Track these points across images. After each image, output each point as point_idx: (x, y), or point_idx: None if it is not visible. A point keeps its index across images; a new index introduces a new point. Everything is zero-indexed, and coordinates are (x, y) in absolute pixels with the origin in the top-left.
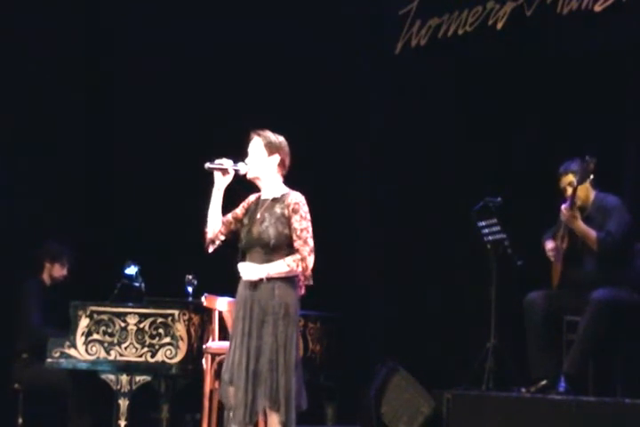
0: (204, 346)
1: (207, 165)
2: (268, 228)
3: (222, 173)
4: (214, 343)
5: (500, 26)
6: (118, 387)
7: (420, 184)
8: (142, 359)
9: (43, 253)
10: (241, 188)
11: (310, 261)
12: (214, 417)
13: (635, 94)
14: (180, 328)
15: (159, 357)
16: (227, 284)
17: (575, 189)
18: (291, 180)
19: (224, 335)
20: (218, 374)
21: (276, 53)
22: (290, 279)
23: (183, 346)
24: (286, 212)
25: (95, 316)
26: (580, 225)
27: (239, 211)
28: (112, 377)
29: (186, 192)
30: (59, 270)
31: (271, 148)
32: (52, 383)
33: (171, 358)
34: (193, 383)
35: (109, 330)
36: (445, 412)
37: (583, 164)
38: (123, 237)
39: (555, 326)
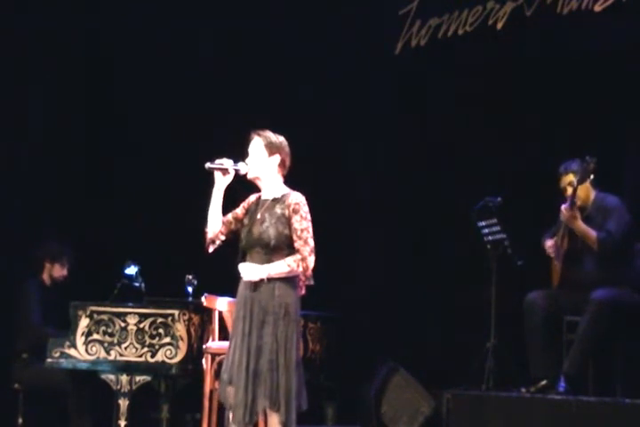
0: (204, 346)
1: (207, 164)
2: (268, 228)
3: (222, 172)
4: (214, 343)
5: (500, 26)
6: (118, 387)
7: (420, 184)
8: (142, 359)
9: (43, 253)
10: (241, 188)
11: (311, 261)
12: (214, 417)
13: (635, 94)
14: (180, 328)
15: (159, 357)
16: (227, 284)
17: (575, 189)
18: (291, 180)
19: (224, 335)
20: (218, 374)
21: (276, 53)
22: (290, 280)
23: (183, 346)
24: (287, 212)
25: (95, 316)
26: (580, 225)
27: (239, 211)
28: (112, 377)
29: (186, 192)
30: (59, 270)
31: (271, 148)
32: (52, 383)
33: (171, 358)
34: (193, 383)
35: (109, 330)
36: (445, 412)
37: (583, 164)
38: (123, 237)
39: (555, 326)
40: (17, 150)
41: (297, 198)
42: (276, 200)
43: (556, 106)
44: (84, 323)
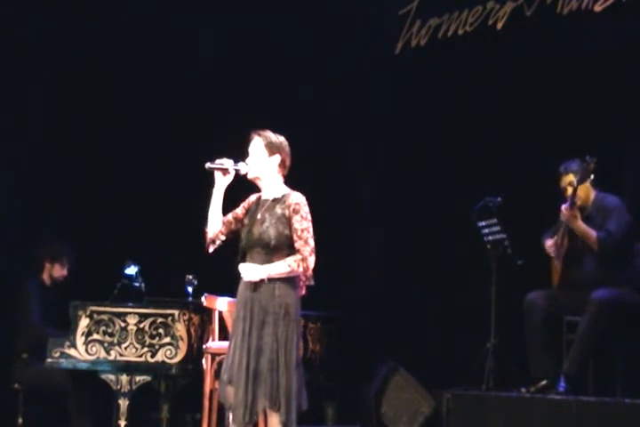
0: (203, 346)
1: (208, 164)
2: (268, 228)
3: (223, 172)
4: (214, 343)
5: (500, 26)
6: (118, 387)
7: (420, 184)
8: (142, 359)
9: (43, 253)
10: (241, 188)
11: (311, 261)
12: (214, 417)
13: (635, 94)
14: (180, 328)
15: (159, 357)
16: (227, 284)
17: (575, 189)
18: (291, 180)
19: (224, 335)
20: (218, 374)
21: (276, 53)
22: (290, 280)
23: (183, 346)
24: (287, 212)
25: (95, 316)
26: (580, 225)
27: (239, 211)
28: (112, 377)
29: (186, 192)
30: (59, 270)
31: (272, 148)
32: (52, 383)
33: (171, 358)
34: (193, 383)
35: (109, 330)
36: (445, 412)
37: (583, 164)
38: (123, 237)
39: (555, 326)
40: (17, 150)
41: (297, 198)
42: (276, 200)
43: (556, 106)
44: (84, 323)
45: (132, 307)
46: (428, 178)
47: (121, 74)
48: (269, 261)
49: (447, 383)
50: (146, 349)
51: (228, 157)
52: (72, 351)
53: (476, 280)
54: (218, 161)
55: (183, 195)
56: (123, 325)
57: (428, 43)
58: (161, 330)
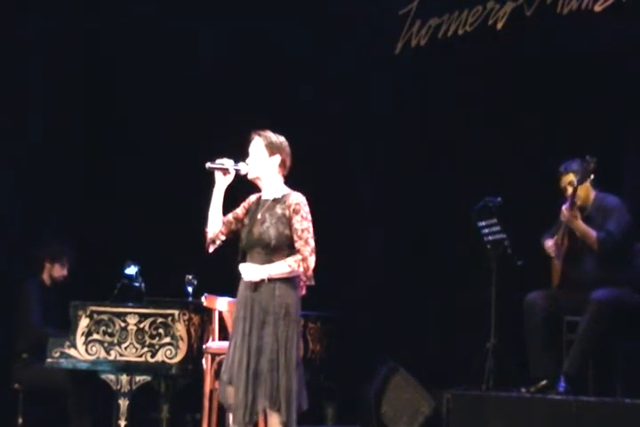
0: (203, 346)
1: (208, 164)
2: (268, 228)
3: (223, 172)
4: (214, 343)
5: (500, 26)
6: (118, 387)
7: (420, 184)
8: (142, 359)
9: (43, 253)
10: (241, 188)
11: (311, 261)
12: (214, 417)
13: (635, 94)
14: (180, 328)
15: (159, 357)
16: (227, 284)
17: (575, 189)
18: (291, 180)
19: (224, 335)
20: (218, 374)
21: (276, 53)
22: (290, 280)
23: (183, 346)
24: (287, 212)
25: (95, 316)
26: (580, 225)
27: (240, 211)
28: (112, 377)
29: (186, 192)
30: (59, 270)
31: (272, 148)
32: (52, 383)
33: (171, 358)
34: (193, 383)
35: (109, 330)
36: (445, 412)
37: (583, 164)
38: (123, 237)
39: (555, 326)
40: (17, 150)
41: (297, 199)
42: (276, 200)
43: (556, 106)
44: (84, 323)
45: (132, 307)
46: (428, 178)
47: (121, 74)
48: (269, 261)
49: (447, 383)
50: (146, 349)
51: (228, 157)
52: (72, 351)
53: (475, 280)
54: (218, 161)
55: (183, 195)
56: (123, 325)
57: (427, 43)
58: (161, 330)
